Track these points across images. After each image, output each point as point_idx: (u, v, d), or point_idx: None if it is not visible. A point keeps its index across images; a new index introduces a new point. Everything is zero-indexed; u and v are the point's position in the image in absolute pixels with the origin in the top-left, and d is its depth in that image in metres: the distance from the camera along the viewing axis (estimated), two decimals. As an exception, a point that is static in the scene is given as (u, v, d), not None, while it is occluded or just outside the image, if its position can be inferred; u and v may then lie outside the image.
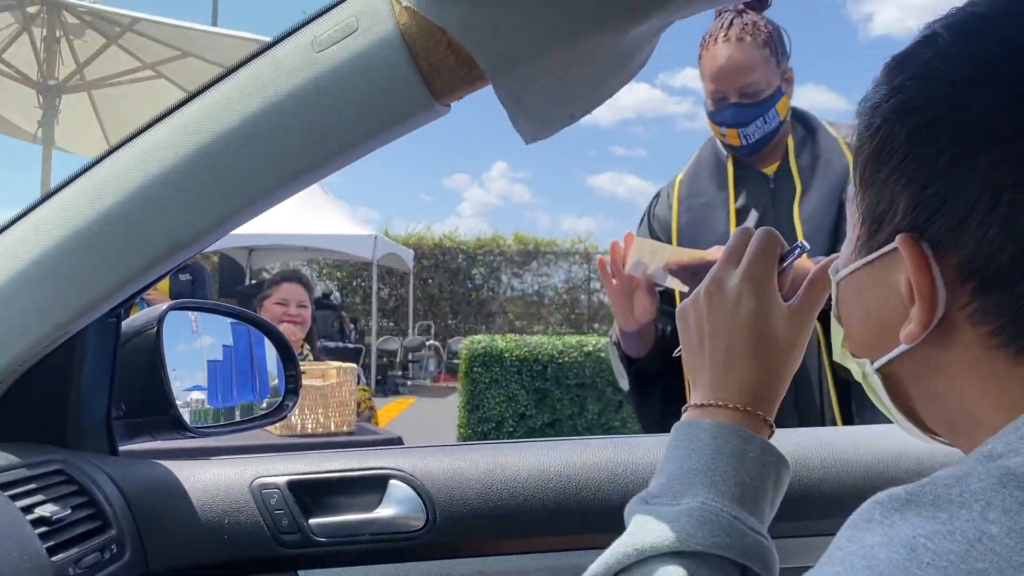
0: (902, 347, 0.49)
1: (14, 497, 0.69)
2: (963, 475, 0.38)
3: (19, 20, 5.52)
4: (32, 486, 0.73)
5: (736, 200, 1.75)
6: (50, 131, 5.01)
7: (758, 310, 0.64)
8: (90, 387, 0.86)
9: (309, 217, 11.64)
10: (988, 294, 0.45)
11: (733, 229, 1.65)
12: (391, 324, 17.09)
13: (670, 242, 1.77)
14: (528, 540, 0.87)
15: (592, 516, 0.87)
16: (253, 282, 11.59)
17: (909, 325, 0.47)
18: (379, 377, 12.67)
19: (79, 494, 0.77)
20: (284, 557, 0.85)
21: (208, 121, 0.68)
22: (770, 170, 1.73)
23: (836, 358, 0.57)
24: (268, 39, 0.69)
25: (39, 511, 0.71)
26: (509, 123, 0.65)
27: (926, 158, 0.47)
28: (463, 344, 6.87)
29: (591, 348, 6.73)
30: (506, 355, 6.50)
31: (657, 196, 1.88)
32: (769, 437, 0.63)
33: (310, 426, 2.56)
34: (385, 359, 13.96)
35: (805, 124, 1.75)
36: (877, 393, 0.54)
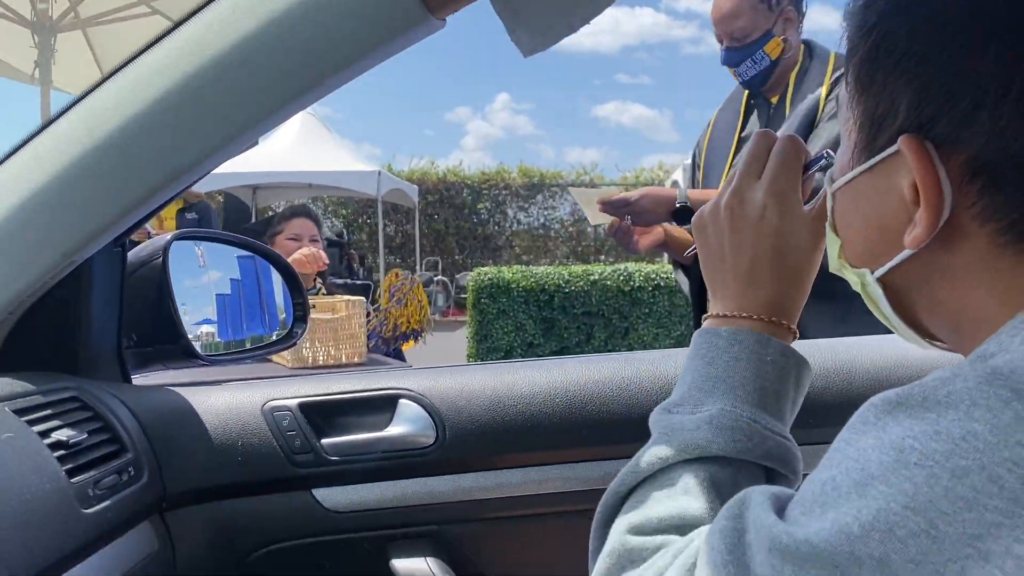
0: (906, 252, 0.48)
1: (30, 423, 0.71)
2: (952, 376, 0.38)
3: (9, -43, 5.39)
4: (48, 412, 0.74)
5: (744, 127, 1.99)
6: (47, 71, 4.94)
7: (783, 225, 0.62)
8: (99, 317, 0.87)
9: (312, 154, 11.55)
10: (998, 189, 0.44)
11: (732, 154, 1.96)
12: (398, 260, 17.10)
13: (700, 169, 2.08)
14: (536, 454, 0.89)
15: (599, 429, 0.88)
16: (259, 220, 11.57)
17: (914, 230, 0.46)
18: (388, 313, 12.72)
19: (94, 420, 0.79)
20: (298, 476, 0.87)
21: (202, 43, 0.68)
22: (775, 99, 1.96)
23: (832, 269, 0.56)
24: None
25: (55, 435, 0.72)
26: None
27: (929, 53, 0.45)
28: (470, 276, 6.89)
29: (597, 277, 6.75)
30: (513, 286, 6.53)
31: (703, 132, 2.14)
32: (792, 342, 0.62)
33: (321, 358, 2.59)
34: (393, 295, 14.00)
35: (812, 56, 1.94)
36: (877, 303, 0.53)
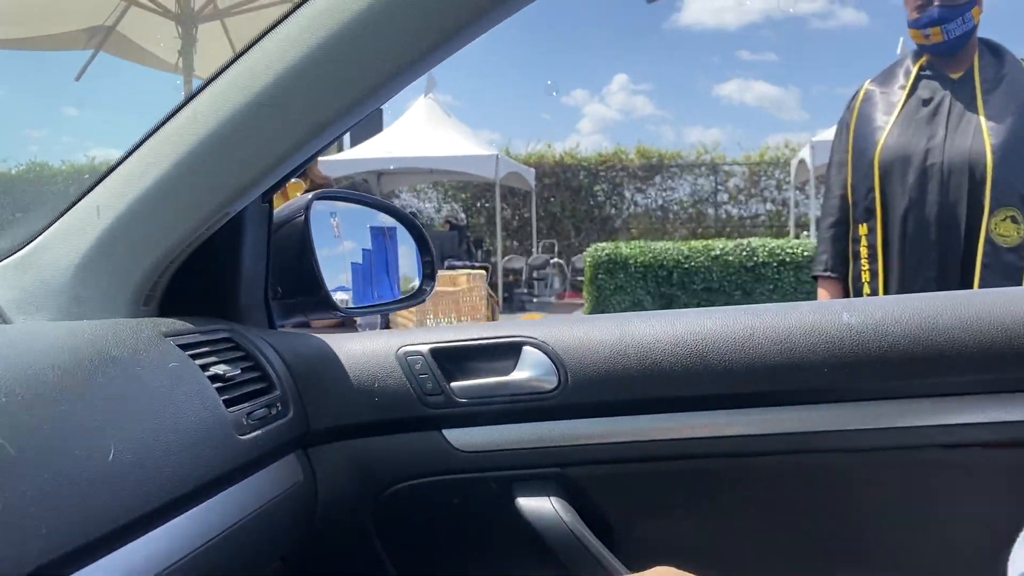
0: None
1: (192, 356, 0.78)
2: None
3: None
4: (206, 349, 0.81)
5: (914, 92, 2.16)
6: (189, 60, 5.26)
7: None
8: (249, 267, 0.94)
9: (433, 141, 11.83)
10: None
11: (895, 117, 2.14)
12: (515, 243, 17.26)
13: (850, 132, 2.25)
14: (657, 401, 0.90)
15: (721, 379, 0.89)
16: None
17: None
18: (506, 295, 12.93)
19: (246, 359, 0.85)
20: (429, 416, 0.91)
21: (336, 11, 0.73)
22: (956, 75, 2.14)
23: None
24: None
25: (213, 369, 0.78)
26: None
27: None
28: (587, 251, 6.91)
29: (718, 252, 6.61)
30: (631, 261, 6.48)
31: (851, 99, 2.34)
32: None
33: (443, 330, 2.68)
34: (511, 277, 14.21)
35: (992, 49, 2.17)
36: None
